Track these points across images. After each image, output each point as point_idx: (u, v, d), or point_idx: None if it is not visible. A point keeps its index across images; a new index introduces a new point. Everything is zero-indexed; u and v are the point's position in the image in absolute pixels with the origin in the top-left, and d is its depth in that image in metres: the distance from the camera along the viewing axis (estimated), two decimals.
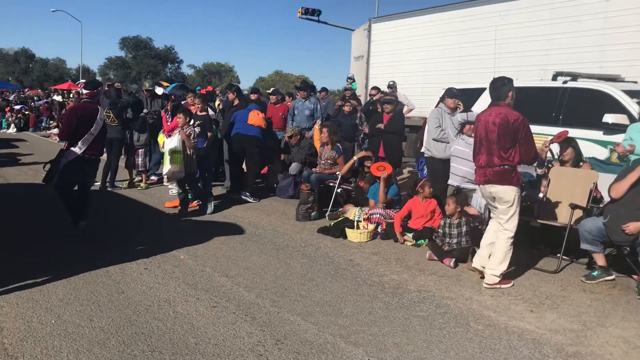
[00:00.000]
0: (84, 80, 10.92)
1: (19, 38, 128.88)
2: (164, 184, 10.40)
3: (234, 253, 6.26)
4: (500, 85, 5.42)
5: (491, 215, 5.74)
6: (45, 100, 28.67)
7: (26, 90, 37.87)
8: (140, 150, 10.24)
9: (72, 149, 6.51)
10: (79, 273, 5.29)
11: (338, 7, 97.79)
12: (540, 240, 6.57)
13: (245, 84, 69.77)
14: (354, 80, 15.38)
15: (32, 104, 26.90)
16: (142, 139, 10.26)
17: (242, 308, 4.61)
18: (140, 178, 10.40)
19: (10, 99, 28.96)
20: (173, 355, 3.73)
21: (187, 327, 4.20)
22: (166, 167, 8.05)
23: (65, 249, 6.10)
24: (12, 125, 23.59)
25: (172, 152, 7.95)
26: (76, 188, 6.79)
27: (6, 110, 25.28)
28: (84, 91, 7.28)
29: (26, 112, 24.97)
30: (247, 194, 9.34)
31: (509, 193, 5.28)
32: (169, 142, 8.05)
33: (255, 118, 9.32)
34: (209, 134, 8.90)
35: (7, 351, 3.70)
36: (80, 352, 3.73)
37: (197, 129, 8.37)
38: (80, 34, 65.78)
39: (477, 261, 5.64)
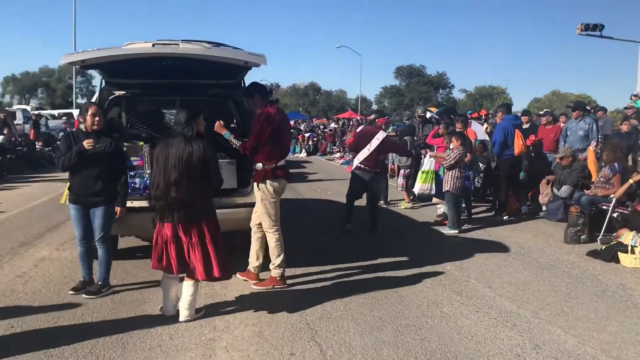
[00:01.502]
0: (374, 109, 12.64)
1: (308, 74, 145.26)
2: (432, 202, 11.09)
3: (498, 268, 6.58)
4: None
5: None
6: (329, 128, 32.22)
7: (314, 119, 42.88)
8: (404, 171, 11.11)
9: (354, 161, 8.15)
10: (360, 267, 6.28)
11: (621, 20, 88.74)
12: None
13: (519, 106, 67.68)
14: (639, 98, 14.21)
15: (320, 131, 30.49)
16: (408, 161, 11.12)
17: (503, 315, 4.96)
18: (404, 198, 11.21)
19: (301, 127, 33.28)
20: (439, 345, 4.30)
21: (452, 325, 4.73)
22: (417, 184, 8.96)
23: (356, 249, 7.15)
24: (303, 150, 27.10)
25: (425, 172, 8.89)
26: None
27: (298, 137, 29.19)
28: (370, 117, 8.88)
29: (315, 139, 28.44)
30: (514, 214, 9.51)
31: None
32: (426, 163, 8.92)
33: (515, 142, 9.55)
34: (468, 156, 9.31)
35: (309, 325, 4.70)
36: (363, 332, 4.54)
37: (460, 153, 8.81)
38: (359, 66, 71.87)
39: None
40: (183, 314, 4.71)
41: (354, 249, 7.41)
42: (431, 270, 6.43)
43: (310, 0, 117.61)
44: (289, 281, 5.79)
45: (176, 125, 4.66)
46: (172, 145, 4.56)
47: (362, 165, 8.38)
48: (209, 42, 5.82)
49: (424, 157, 10.37)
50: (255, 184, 5.62)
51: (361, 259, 6.81)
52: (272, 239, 5.59)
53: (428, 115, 12.43)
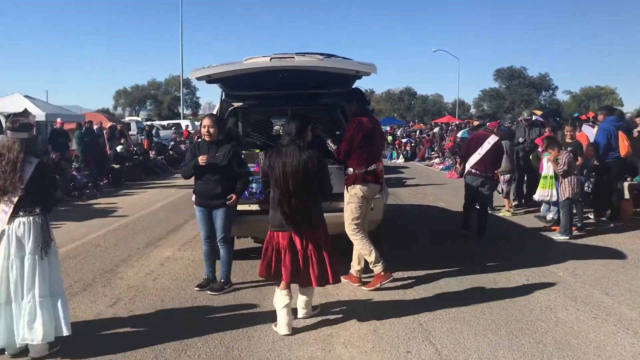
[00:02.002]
0: (478, 115, 12.50)
1: (404, 79, 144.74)
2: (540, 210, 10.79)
3: (614, 275, 6.36)
4: None
5: None
6: (427, 132, 31.97)
7: (410, 124, 42.65)
8: (504, 176, 10.82)
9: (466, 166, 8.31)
10: (469, 271, 6.37)
11: None
12: None
13: (630, 106, 63.71)
14: None
15: (417, 137, 30.32)
16: (508, 166, 10.82)
17: (623, 323, 4.83)
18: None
19: (398, 133, 33.25)
20: (556, 350, 4.28)
21: (568, 330, 4.68)
22: (538, 190, 8.79)
23: (464, 254, 7.17)
24: (401, 155, 27.06)
25: (545, 177, 8.67)
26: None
27: (395, 143, 29.18)
28: (475, 123, 8.80)
29: (412, 144, 28.33)
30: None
31: None
32: (545, 168, 8.68)
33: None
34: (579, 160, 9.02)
35: (422, 326, 4.82)
36: (477, 334, 4.60)
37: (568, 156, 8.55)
38: (457, 69, 70.65)
39: None
40: (301, 312, 4.95)
41: (463, 253, 7.42)
42: (543, 275, 6.33)
43: (404, 3, 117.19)
44: (398, 283, 5.94)
45: (287, 135, 4.75)
46: (287, 154, 4.64)
47: (473, 170, 8.38)
48: (321, 54, 6.10)
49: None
50: (345, 187, 5.84)
51: (470, 264, 6.82)
52: (357, 241, 5.78)
53: (533, 118, 12.10)
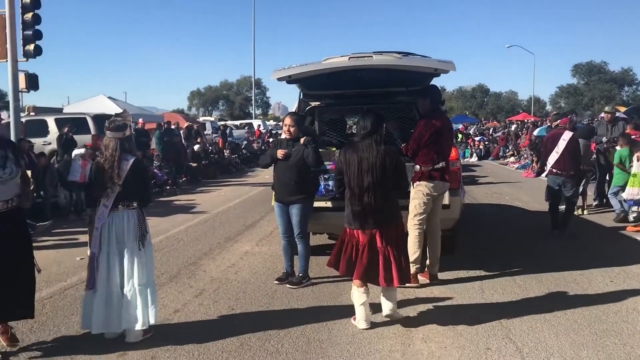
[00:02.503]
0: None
1: (476, 76, 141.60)
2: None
3: None
4: None
5: None
6: (502, 131, 31.22)
7: (484, 122, 41.73)
8: None
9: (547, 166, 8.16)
10: (549, 271, 6.27)
11: None
12: None
13: None
14: None
15: (490, 135, 29.67)
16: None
17: None
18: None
19: (471, 131, 32.64)
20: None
21: None
22: (627, 189, 8.44)
23: (544, 254, 7.04)
24: (474, 154, 26.59)
25: (635, 174, 8.29)
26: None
27: (468, 141, 28.68)
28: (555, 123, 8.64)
29: (485, 143, 27.76)
30: None
31: None
32: (635, 165, 8.37)
33: None
34: None
35: (501, 323, 4.79)
36: (559, 334, 4.54)
37: None
38: (532, 65, 68.44)
39: None
40: (387, 311, 4.79)
41: (542, 253, 7.27)
42: (627, 277, 6.13)
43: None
44: (477, 281, 5.93)
45: (362, 130, 4.71)
46: (363, 149, 4.62)
47: (553, 170, 8.22)
48: (398, 52, 6.15)
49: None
50: (411, 183, 5.87)
51: (550, 263, 6.69)
52: (413, 236, 5.75)
53: (616, 114, 11.64)
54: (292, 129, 5.86)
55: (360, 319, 4.74)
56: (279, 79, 5.91)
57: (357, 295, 4.74)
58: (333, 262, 4.84)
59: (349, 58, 5.90)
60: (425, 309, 5.19)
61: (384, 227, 4.65)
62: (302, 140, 5.76)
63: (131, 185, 4.45)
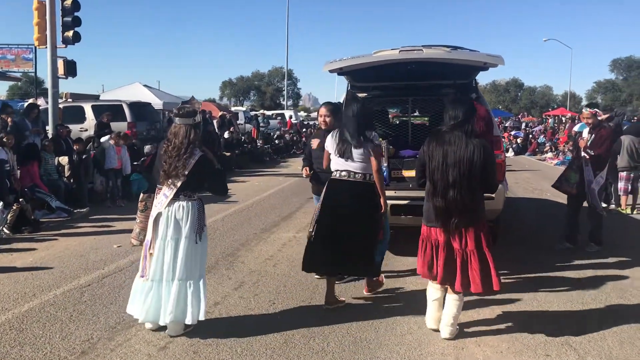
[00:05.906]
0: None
1: (510, 69, 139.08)
2: None
3: None
4: None
5: None
6: (538, 126, 30.55)
7: (521, 116, 40.97)
8: (622, 173, 10.10)
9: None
10: (606, 273, 5.94)
11: None
12: None
13: None
14: None
15: (527, 130, 29.04)
16: (624, 162, 10.12)
17: None
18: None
19: (507, 125, 32.01)
20: None
21: None
22: None
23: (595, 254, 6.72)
24: (510, 149, 26.03)
25: None
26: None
27: (504, 135, 28.10)
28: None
29: (530, 137, 27.20)
30: None
31: None
32: None
33: None
34: None
35: (560, 330, 4.52)
36: (623, 342, 4.26)
37: None
38: (569, 60, 66.88)
39: None
40: (445, 331, 4.30)
41: (594, 253, 6.94)
42: None
43: None
44: (529, 284, 5.71)
45: (452, 119, 4.23)
46: (450, 142, 4.16)
47: None
48: (447, 46, 6.08)
49: None
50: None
51: (607, 265, 6.39)
52: None
53: None
54: (327, 119, 5.64)
55: (429, 317, 4.46)
56: (331, 71, 5.88)
57: (432, 291, 4.43)
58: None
59: (400, 51, 5.81)
60: (479, 311, 4.91)
61: (468, 227, 4.18)
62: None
63: (196, 178, 4.28)
